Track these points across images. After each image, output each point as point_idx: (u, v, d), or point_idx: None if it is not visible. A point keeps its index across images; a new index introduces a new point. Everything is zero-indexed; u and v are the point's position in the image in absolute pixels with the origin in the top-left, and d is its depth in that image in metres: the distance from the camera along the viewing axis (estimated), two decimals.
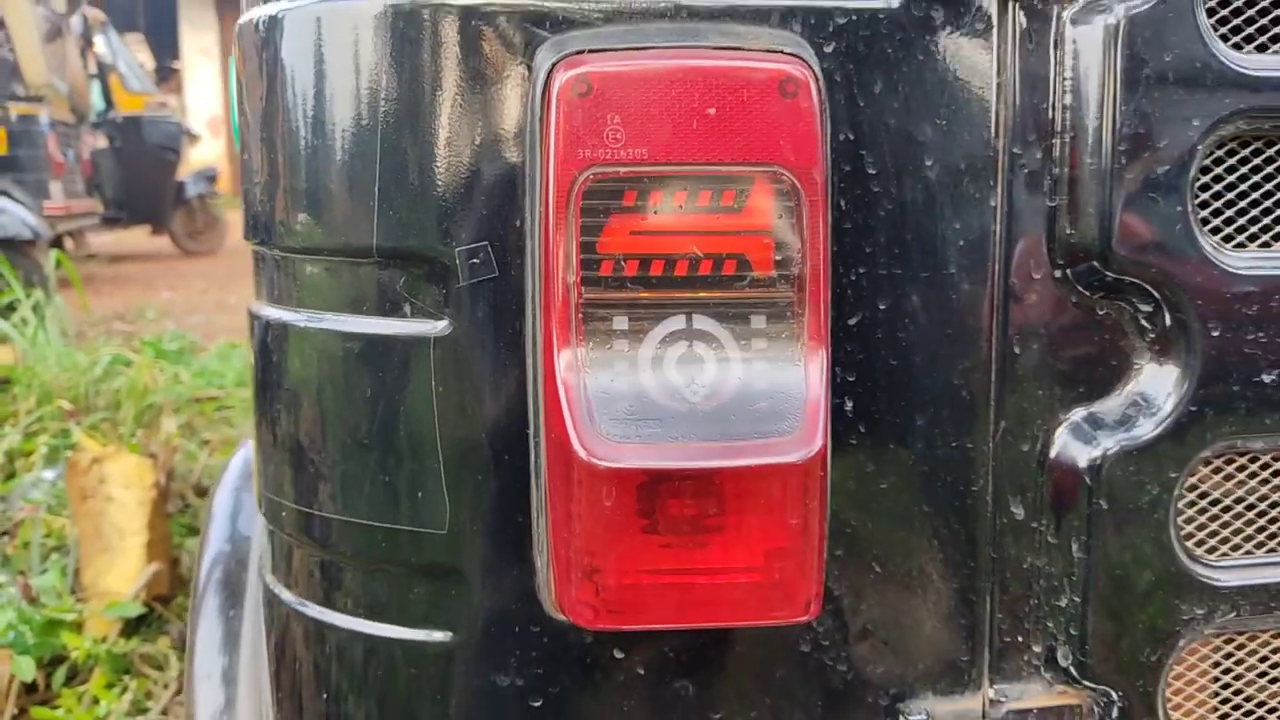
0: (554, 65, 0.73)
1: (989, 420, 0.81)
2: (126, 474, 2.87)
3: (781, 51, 0.74)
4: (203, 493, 3.33)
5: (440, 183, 0.76)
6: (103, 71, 11.07)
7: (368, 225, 0.77)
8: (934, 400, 0.81)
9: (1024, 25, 0.78)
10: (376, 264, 0.78)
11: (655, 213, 0.72)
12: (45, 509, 3.15)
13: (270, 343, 0.86)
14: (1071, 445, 0.82)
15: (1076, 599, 0.82)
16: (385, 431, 0.79)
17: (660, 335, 0.73)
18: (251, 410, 0.91)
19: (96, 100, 11.11)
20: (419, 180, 0.76)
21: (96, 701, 2.37)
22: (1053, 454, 0.82)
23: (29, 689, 2.44)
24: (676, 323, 0.73)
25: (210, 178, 11.69)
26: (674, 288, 0.73)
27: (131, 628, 2.63)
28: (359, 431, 0.80)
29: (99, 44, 11.06)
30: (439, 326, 0.77)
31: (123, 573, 2.78)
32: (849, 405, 0.80)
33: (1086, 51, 0.77)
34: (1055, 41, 0.78)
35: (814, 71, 0.74)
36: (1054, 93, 0.79)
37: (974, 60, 0.78)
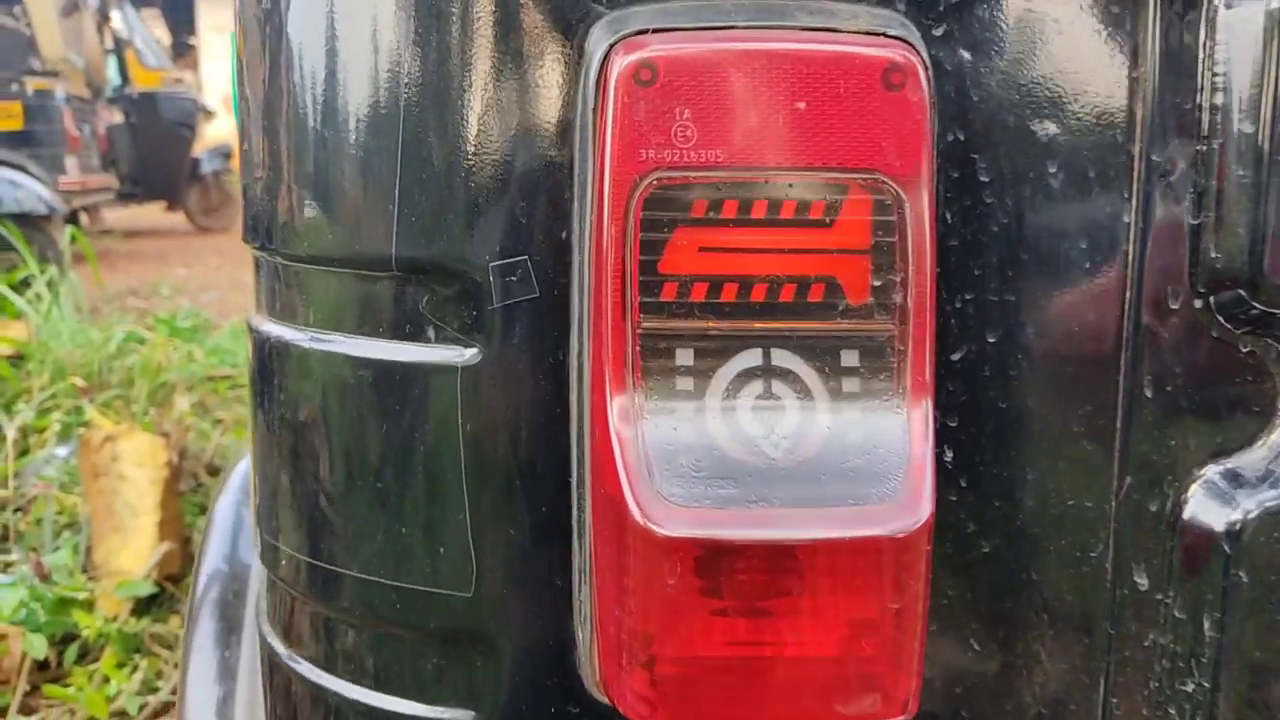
0: (611, 47, 0.60)
1: (1112, 475, 0.69)
2: (139, 452, 2.87)
3: (884, 34, 0.61)
4: (215, 472, 3.36)
5: (472, 184, 0.64)
6: (119, 47, 10.99)
7: (386, 232, 0.65)
8: (1049, 450, 0.69)
9: (1168, 9, 0.65)
10: (395, 278, 0.66)
11: (730, 226, 0.60)
12: (58, 486, 3.14)
13: (270, 363, 0.74)
14: (1207, 505, 0.70)
15: (1206, 684, 0.70)
16: (402, 475, 0.67)
17: (733, 374, 0.61)
18: (248, 437, 0.80)
19: (113, 76, 11.03)
20: (447, 180, 0.64)
21: (107, 680, 2.36)
22: (1184, 515, 0.70)
23: (41, 666, 2.43)
24: (752, 358, 0.61)
25: (225, 154, 11.61)
26: (750, 316, 0.61)
27: (143, 607, 2.62)
28: (371, 473, 0.68)
29: (115, 19, 10.98)
30: (468, 354, 0.65)
31: (134, 551, 2.79)
32: (949, 455, 0.67)
33: (1242, 41, 0.64)
34: (1205, 29, 0.65)
35: (922, 59, 0.61)
36: (1202, 90, 0.66)
37: (1108, 50, 0.65)
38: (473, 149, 0.64)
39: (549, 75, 0.63)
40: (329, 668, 0.74)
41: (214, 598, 1.13)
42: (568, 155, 0.63)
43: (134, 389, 4.05)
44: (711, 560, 0.58)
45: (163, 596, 2.69)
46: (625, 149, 0.59)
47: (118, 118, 10.82)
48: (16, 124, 8.09)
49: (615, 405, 0.59)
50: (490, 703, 0.69)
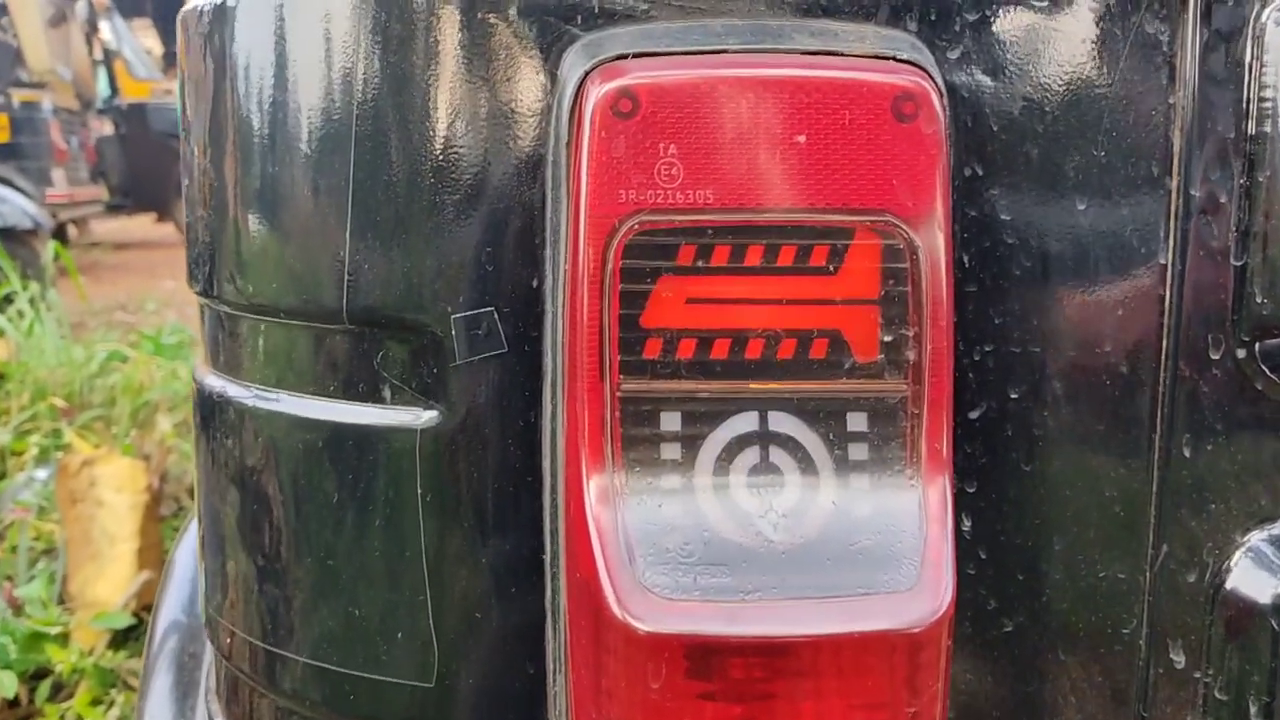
0: (587, 74, 0.54)
1: (1147, 543, 0.63)
2: (118, 477, 2.79)
3: (894, 58, 0.55)
4: None
5: (433, 227, 0.57)
6: (108, 57, 10.92)
7: (336, 281, 0.58)
8: (1077, 517, 0.62)
9: (1209, 27, 0.58)
10: (347, 331, 0.59)
11: (721, 275, 0.53)
12: (35, 512, 3.06)
13: (212, 420, 0.67)
14: (1251, 575, 0.63)
15: None
16: (354, 550, 0.60)
17: (725, 441, 0.54)
18: (195, 499, 0.72)
19: (102, 87, 10.95)
20: (406, 224, 0.57)
21: (81, 718, 2.27)
22: (1226, 586, 0.64)
23: (11, 704, 2.34)
24: (747, 423, 0.54)
25: None
26: (744, 376, 0.54)
27: (120, 639, 2.52)
28: (321, 548, 0.61)
29: (104, 30, 10.90)
30: (427, 416, 0.58)
31: (112, 581, 2.72)
32: (967, 524, 0.60)
33: None
34: (1252, 48, 0.59)
35: (937, 85, 0.55)
36: (1247, 117, 0.59)
37: (1143, 73, 0.59)
38: (434, 187, 0.57)
39: (520, 105, 0.56)
40: None
41: (170, 652, 1.05)
42: (540, 195, 0.56)
43: (116, 409, 4.00)
44: (702, 660, 0.50)
45: (141, 628, 2.61)
46: (603, 189, 0.52)
47: (107, 129, 10.75)
48: (2, 137, 8.01)
49: (592, 484, 0.52)
50: None
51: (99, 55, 10.88)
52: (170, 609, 1.10)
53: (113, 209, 10.82)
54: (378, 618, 0.61)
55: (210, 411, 0.67)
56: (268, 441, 0.63)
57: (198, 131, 0.67)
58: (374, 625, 0.61)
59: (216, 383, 0.66)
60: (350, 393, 0.60)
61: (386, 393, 0.59)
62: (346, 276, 0.58)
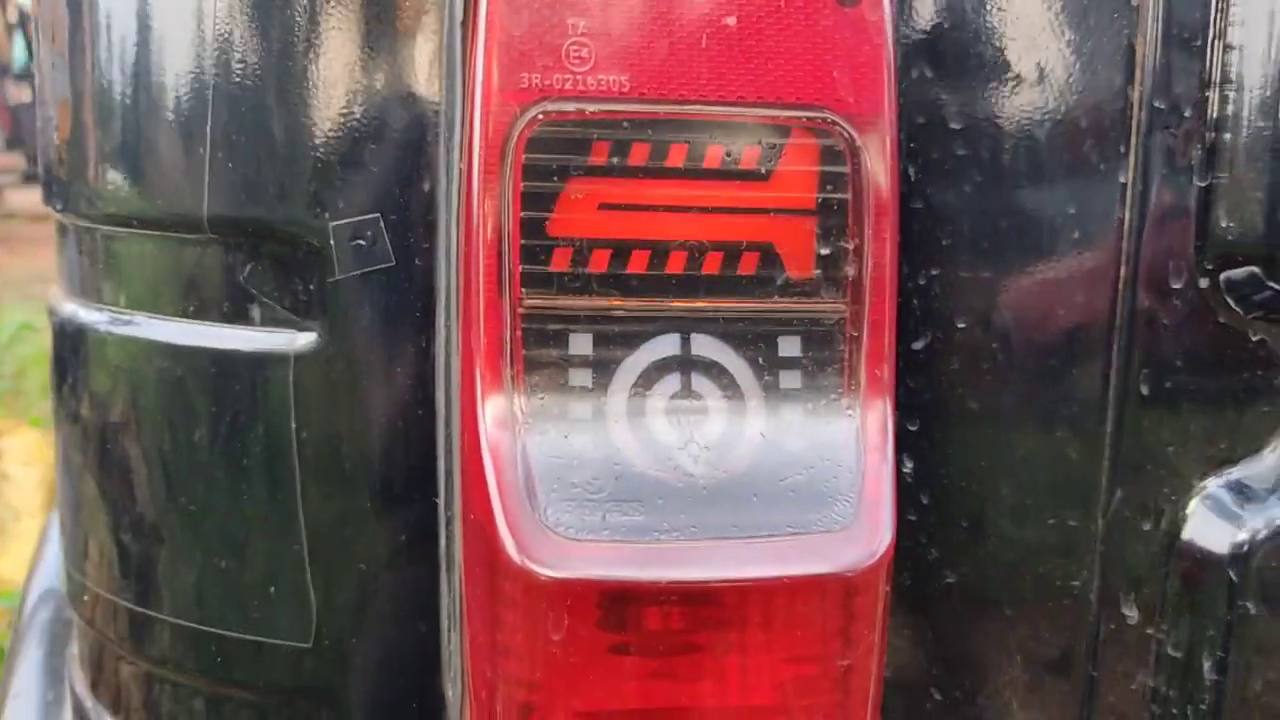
0: None
1: (1100, 488, 0.58)
2: (27, 450, 2.80)
3: None
4: None
5: (308, 120, 0.50)
6: (24, 21, 10.48)
7: (196, 182, 0.51)
8: (1027, 460, 0.57)
9: None
10: (209, 242, 0.52)
11: (639, 177, 0.47)
12: None
13: (66, 353, 0.59)
14: (1209, 524, 0.60)
15: None
16: (219, 495, 0.53)
17: (642, 366, 0.48)
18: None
19: (18, 52, 10.51)
20: (276, 115, 0.50)
21: None
22: (1183, 535, 0.60)
23: None
24: (667, 346, 0.49)
25: None
26: (665, 293, 0.48)
27: None
28: (181, 492, 0.54)
29: None
30: (302, 340, 0.52)
31: (17, 557, 2.59)
32: (908, 466, 0.55)
33: None
34: None
35: None
36: (1214, 24, 0.55)
37: None
38: (308, 79, 0.50)
39: None
40: None
41: (42, 623, 0.96)
42: (431, 85, 0.49)
43: (26, 381, 3.86)
44: (612, 609, 0.44)
45: None
46: (504, 74, 0.46)
47: (25, 96, 10.33)
48: None
49: (489, 407, 0.46)
50: None
51: (13, 19, 10.44)
52: (46, 572, 1.01)
53: (30, 178, 10.43)
54: (250, 571, 0.54)
55: (65, 344, 0.60)
56: (125, 373, 0.55)
57: (48, 34, 0.59)
58: (246, 580, 0.54)
59: (71, 309, 0.59)
60: (214, 314, 0.53)
61: (255, 313, 0.52)
62: (207, 179, 0.50)
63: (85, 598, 0.61)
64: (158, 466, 0.55)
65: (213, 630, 0.55)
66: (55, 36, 0.59)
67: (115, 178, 0.54)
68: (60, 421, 0.62)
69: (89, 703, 0.64)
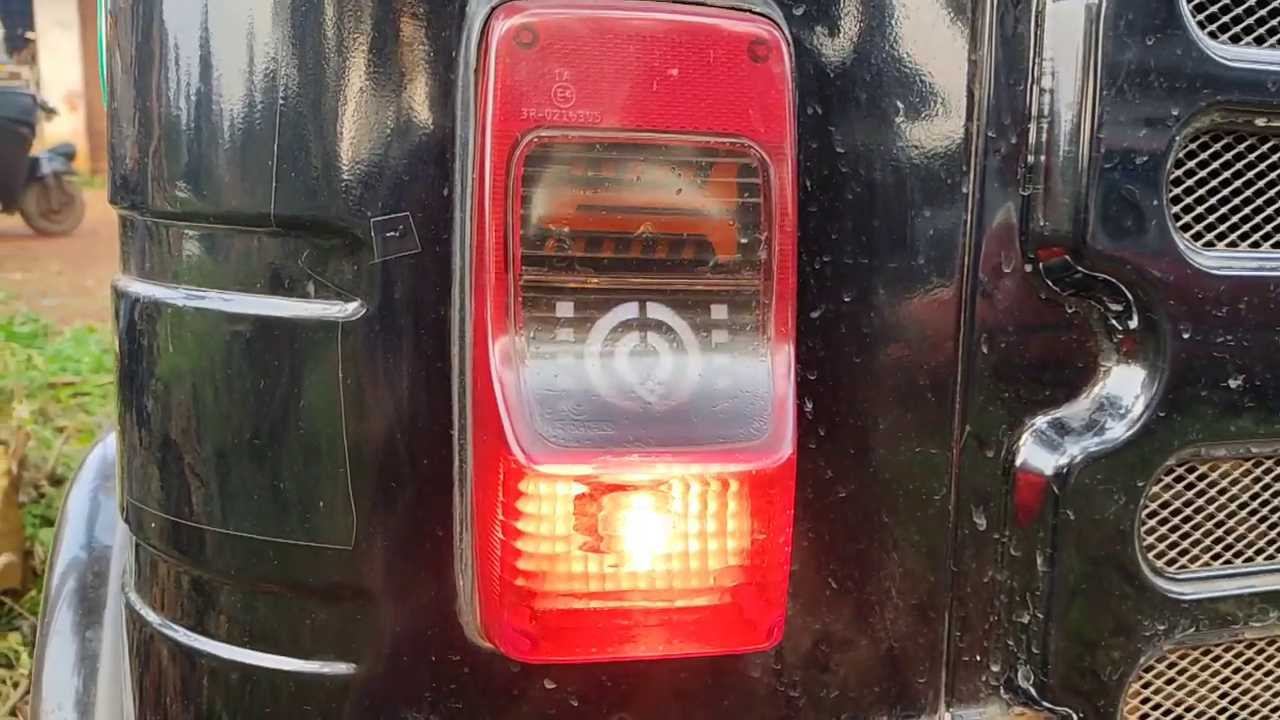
0: (492, 10, 0.63)
1: (953, 424, 0.75)
2: None
3: (750, 10, 0.66)
4: (58, 482, 3.21)
5: (354, 140, 0.65)
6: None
7: (264, 188, 0.66)
8: (898, 402, 0.74)
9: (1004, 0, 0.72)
10: (274, 234, 0.67)
11: (607, 185, 0.63)
12: None
13: (139, 324, 0.73)
14: (1037, 452, 0.77)
15: (1039, 615, 0.77)
16: (279, 430, 0.68)
17: (611, 325, 0.64)
18: (115, 403, 0.78)
19: None
20: (328, 136, 0.65)
21: None
22: (1018, 461, 0.77)
23: None
24: (629, 311, 0.65)
25: (67, 154, 10.95)
26: (627, 271, 0.64)
27: None
28: (247, 430, 0.68)
29: None
30: (348, 309, 0.66)
31: None
32: (809, 406, 0.72)
33: (1066, 31, 0.72)
34: (1035, 19, 0.72)
35: (784, 34, 0.66)
36: (1031, 74, 0.73)
37: (950, 35, 0.72)
38: (354, 105, 0.65)
39: (431, 37, 0.65)
40: (201, 629, 0.73)
41: (72, 587, 1.09)
42: (450, 115, 0.65)
43: None
44: (591, 498, 0.61)
45: (0, 611, 2.54)
46: (508, 107, 0.62)
47: None
48: None
49: (498, 348, 0.62)
50: (371, 656, 0.70)
51: None
52: (70, 545, 1.13)
53: None
54: (298, 489, 0.68)
55: (136, 316, 0.74)
56: (196, 337, 0.70)
57: (127, 52, 0.73)
58: (294, 496, 0.68)
59: (144, 288, 0.73)
60: (276, 289, 0.67)
61: (310, 289, 0.67)
62: (274, 185, 0.66)
63: (150, 522, 0.75)
64: (225, 411, 0.70)
65: (271, 539, 0.70)
66: (128, 46, 0.72)
67: (191, 183, 0.69)
68: (129, 379, 0.76)
69: (150, 615, 0.78)
